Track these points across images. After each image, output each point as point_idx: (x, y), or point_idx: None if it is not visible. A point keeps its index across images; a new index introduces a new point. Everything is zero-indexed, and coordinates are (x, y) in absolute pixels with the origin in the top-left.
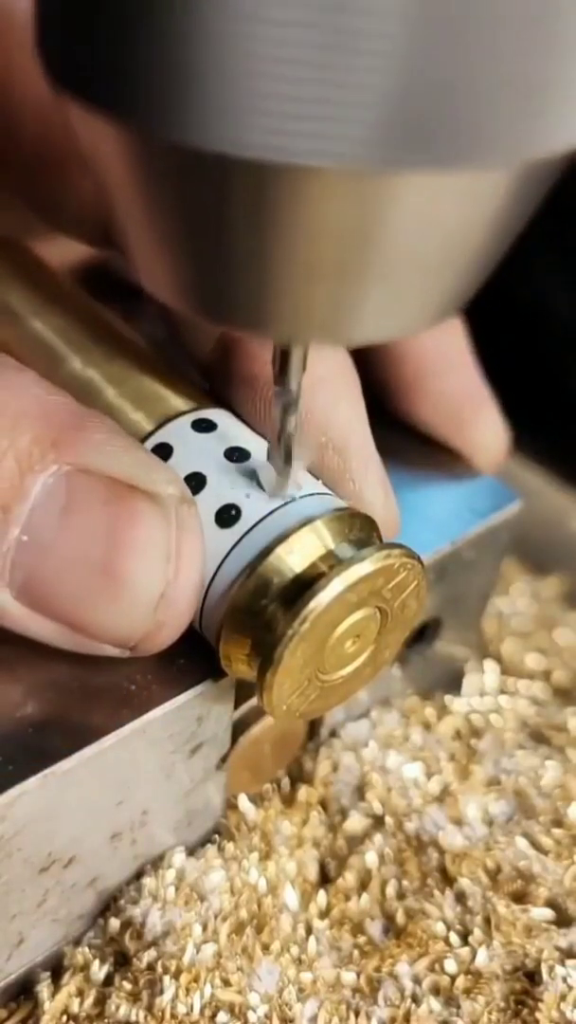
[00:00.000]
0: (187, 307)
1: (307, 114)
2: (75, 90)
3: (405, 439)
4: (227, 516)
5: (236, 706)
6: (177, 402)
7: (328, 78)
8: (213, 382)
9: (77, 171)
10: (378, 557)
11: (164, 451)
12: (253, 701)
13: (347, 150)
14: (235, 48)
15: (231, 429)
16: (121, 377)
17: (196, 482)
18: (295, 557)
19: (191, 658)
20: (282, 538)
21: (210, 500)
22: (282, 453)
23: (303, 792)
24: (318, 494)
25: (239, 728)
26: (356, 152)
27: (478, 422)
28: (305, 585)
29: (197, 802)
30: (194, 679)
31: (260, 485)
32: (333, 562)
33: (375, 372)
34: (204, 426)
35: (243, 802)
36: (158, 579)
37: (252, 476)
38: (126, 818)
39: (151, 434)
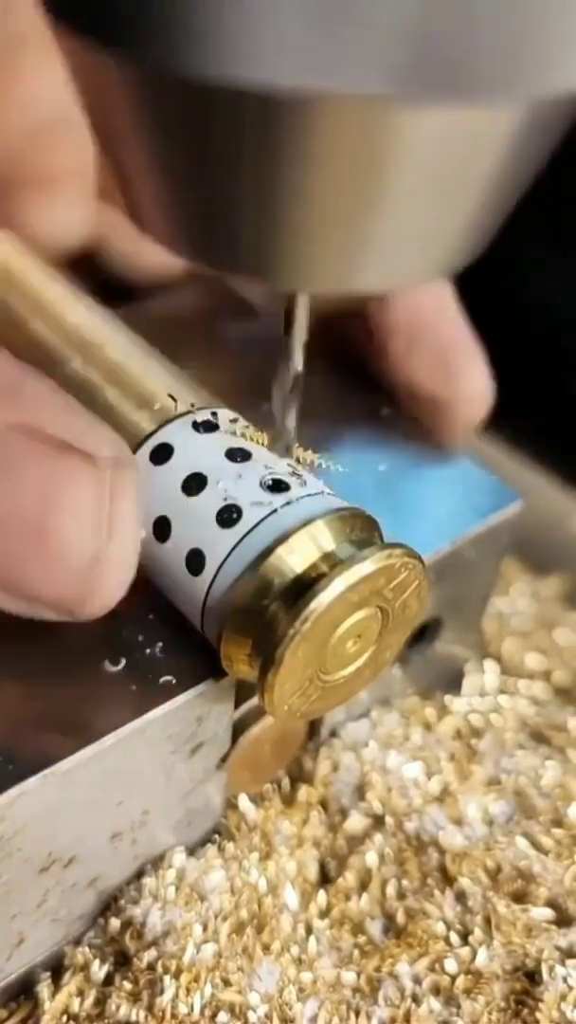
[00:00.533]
0: (191, 254)
1: (313, 47)
2: (77, 25)
3: (405, 439)
4: (228, 516)
5: (236, 706)
6: (177, 402)
7: (334, 9)
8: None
9: (41, 195)
10: (379, 557)
11: (164, 451)
12: (253, 701)
13: (363, 81)
14: None
15: (233, 429)
16: (121, 377)
17: (197, 482)
18: (296, 557)
19: (191, 658)
20: (283, 538)
21: (211, 501)
22: (284, 393)
23: (303, 792)
24: (319, 494)
25: (239, 728)
26: (364, 86)
27: (466, 373)
28: (306, 585)
29: (197, 802)
30: (194, 679)
31: (261, 485)
32: (334, 562)
33: (362, 328)
34: (205, 426)
35: (243, 802)
36: (89, 543)
37: (253, 476)
38: (126, 818)
39: (151, 434)
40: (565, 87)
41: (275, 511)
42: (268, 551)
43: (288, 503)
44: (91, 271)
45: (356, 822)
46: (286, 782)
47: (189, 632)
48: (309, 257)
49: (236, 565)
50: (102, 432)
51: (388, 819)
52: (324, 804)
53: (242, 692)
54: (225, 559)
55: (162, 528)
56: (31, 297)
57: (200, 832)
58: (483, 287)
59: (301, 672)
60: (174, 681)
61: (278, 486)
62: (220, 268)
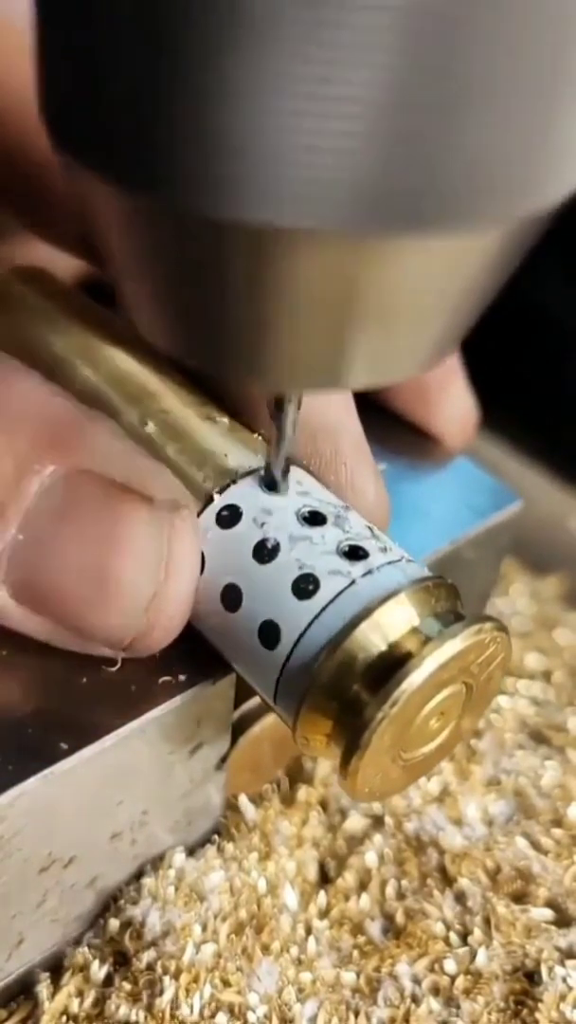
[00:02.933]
0: (182, 357)
1: (296, 181)
2: (77, 157)
3: (404, 438)
4: (305, 587)
5: (236, 706)
6: (243, 459)
7: (312, 147)
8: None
9: (57, 176)
10: (468, 634)
11: (232, 514)
12: (253, 701)
13: (333, 221)
14: (225, 129)
15: (303, 488)
16: (181, 432)
17: (269, 551)
18: (380, 634)
19: (191, 658)
20: (365, 613)
21: (285, 570)
22: (279, 467)
23: (303, 792)
24: (399, 561)
25: (238, 728)
26: (343, 218)
27: (444, 399)
28: (392, 664)
29: (197, 802)
30: (194, 679)
31: (338, 552)
32: (421, 639)
33: None
34: (269, 483)
35: (243, 802)
36: (149, 584)
37: (330, 542)
38: (126, 818)
39: (215, 495)
40: (538, 207)
41: (354, 582)
42: (351, 626)
43: (367, 572)
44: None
45: (356, 822)
46: (286, 782)
47: (187, 632)
48: (296, 365)
49: (315, 639)
50: (161, 475)
51: (388, 819)
52: (324, 804)
53: (242, 692)
54: (303, 633)
55: (231, 596)
56: (77, 342)
57: (200, 832)
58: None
59: (384, 753)
60: (174, 681)
61: (355, 553)
62: (211, 372)
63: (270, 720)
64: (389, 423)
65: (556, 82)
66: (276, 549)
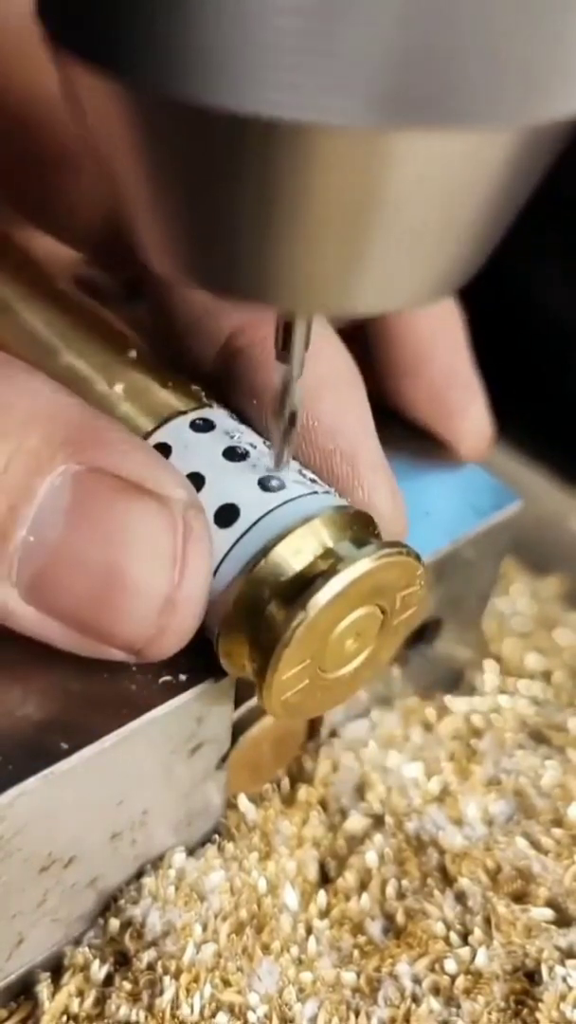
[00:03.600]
0: (190, 278)
1: (310, 71)
2: (76, 49)
3: (405, 438)
4: (226, 515)
5: (236, 706)
6: (175, 401)
7: (330, 35)
8: (213, 390)
9: (68, 171)
10: (378, 555)
11: (163, 451)
12: (253, 701)
13: (351, 108)
14: (240, 10)
15: (229, 428)
16: (118, 376)
17: (195, 482)
18: (294, 555)
19: (191, 658)
20: (281, 536)
21: (209, 500)
22: (281, 428)
23: (303, 792)
24: (317, 492)
25: (239, 728)
26: (359, 110)
27: (464, 411)
28: (305, 583)
29: (197, 802)
30: (194, 679)
31: (258, 484)
32: (333, 560)
33: (365, 352)
34: (202, 425)
35: (243, 802)
36: (162, 583)
37: (251, 475)
38: (126, 818)
39: (150, 434)
40: (555, 113)
41: (272, 510)
42: (266, 549)
43: (286, 501)
44: (97, 276)
45: (356, 822)
46: (286, 782)
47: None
48: (307, 279)
49: (234, 564)
50: (175, 475)
51: (388, 819)
52: (324, 804)
53: (242, 692)
54: (224, 558)
55: None
56: (25, 291)
57: (200, 832)
58: (482, 287)
59: (299, 670)
60: (174, 681)
61: (275, 484)
62: (220, 291)
63: (270, 720)
64: (390, 424)
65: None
66: (201, 482)
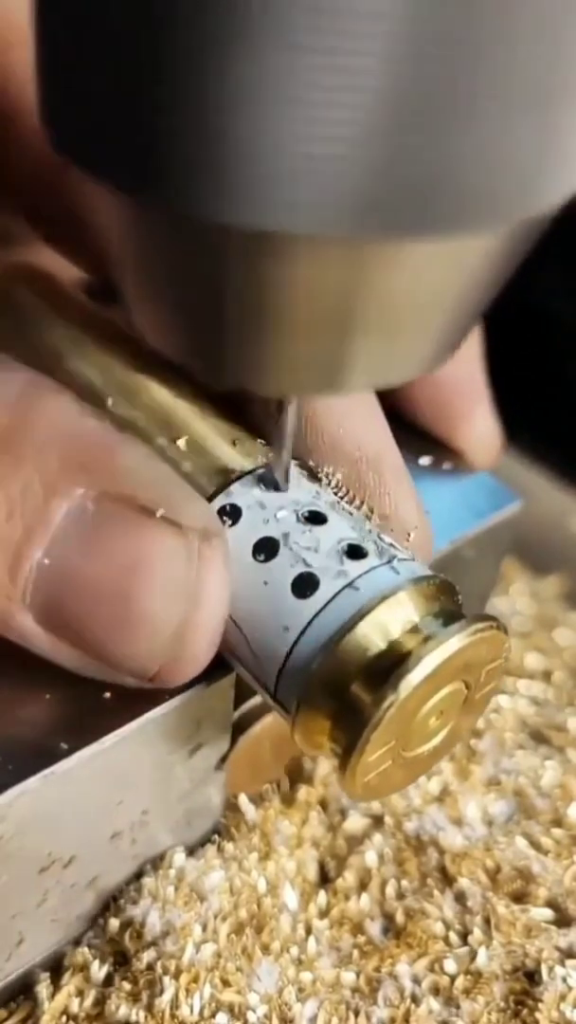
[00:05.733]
0: (182, 362)
1: (294, 187)
2: (77, 159)
3: (404, 438)
4: (304, 585)
5: (236, 706)
6: (242, 458)
7: (311, 153)
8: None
9: (79, 192)
10: (468, 632)
11: (232, 513)
12: (252, 701)
13: (330, 225)
14: (225, 133)
15: (301, 488)
16: (180, 431)
17: (269, 549)
18: (380, 632)
19: None
20: (364, 612)
21: (285, 568)
22: (282, 469)
23: (303, 792)
24: (400, 560)
25: (239, 728)
26: (340, 227)
27: (470, 418)
28: (391, 663)
29: (197, 802)
30: (194, 679)
31: (337, 552)
32: (420, 638)
33: None
34: (273, 485)
35: (243, 802)
36: (176, 613)
37: (327, 541)
38: (126, 818)
39: (215, 495)
40: (541, 208)
41: (353, 581)
42: (350, 625)
43: (367, 571)
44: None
45: (355, 822)
46: (286, 782)
47: None
48: (295, 369)
49: (315, 638)
50: (193, 501)
51: (387, 819)
52: (324, 804)
53: (242, 692)
54: (303, 631)
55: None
56: (79, 343)
57: (200, 832)
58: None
59: (383, 752)
60: None
61: (355, 552)
62: (211, 379)
63: (270, 720)
64: (389, 424)
65: (554, 89)
66: (275, 549)
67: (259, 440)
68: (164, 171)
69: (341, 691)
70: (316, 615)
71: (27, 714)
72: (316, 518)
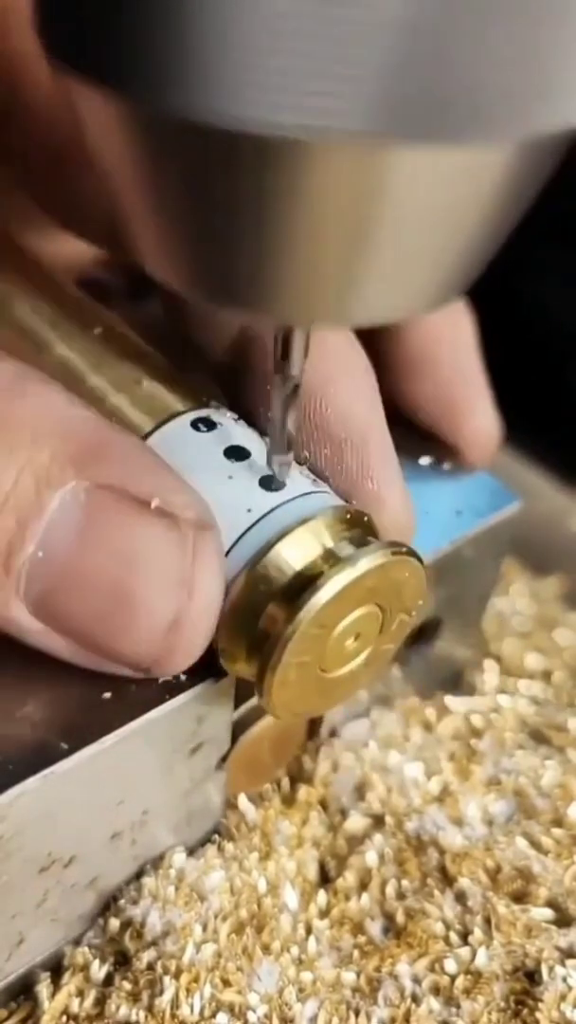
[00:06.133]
0: (190, 290)
1: (306, 87)
2: (73, 64)
3: (405, 438)
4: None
5: (236, 706)
6: (176, 402)
7: (326, 51)
8: (228, 382)
9: (87, 166)
10: (377, 555)
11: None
12: (253, 701)
13: (347, 123)
14: (234, 20)
15: (231, 429)
16: (117, 374)
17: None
18: (294, 555)
19: None
20: (281, 536)
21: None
22: (283, 441)
23: (303, 792)
24: (317, 492)
25: (239, 728)
26: (355, 125)
27: (470, 412)
28: (305, 583)
29: (197, 802)
30: (194, 679)
31: (260, 484)
32: (333, 560)
33: (373, 352)
34: (203, 425)
35: (243, 802)
36: (169, 604)
37: (251, 475)
38: (126, 818)
39: (149, 434)
40: (552, 126)
41: (273, 509)
42: (266, 549)
43: (286, 501)
44: (102, 278)
45: (356, 822)
46: (286, 782)
47: None
48: (304, 292)
49: (234, 563)
50: (187, 493)
51: (388, 819)
52: (324, 804)
53: (242, 692)
54: (225, 556)
55: None
56: (24, 292)
57: (200, 832)
58: (483, 286)
59: (300, 670)
60: (174, 681)
61: (277, 484)
62: (219, 302)
63: (270, 720)
64: (389, 424)
65: (568, 11)
66: (202, 480)
67: (196, 387)
68: (170, 72)
69: (257, 612)
70: (236, 541)
71: (27, 714)
72: (240, 453)
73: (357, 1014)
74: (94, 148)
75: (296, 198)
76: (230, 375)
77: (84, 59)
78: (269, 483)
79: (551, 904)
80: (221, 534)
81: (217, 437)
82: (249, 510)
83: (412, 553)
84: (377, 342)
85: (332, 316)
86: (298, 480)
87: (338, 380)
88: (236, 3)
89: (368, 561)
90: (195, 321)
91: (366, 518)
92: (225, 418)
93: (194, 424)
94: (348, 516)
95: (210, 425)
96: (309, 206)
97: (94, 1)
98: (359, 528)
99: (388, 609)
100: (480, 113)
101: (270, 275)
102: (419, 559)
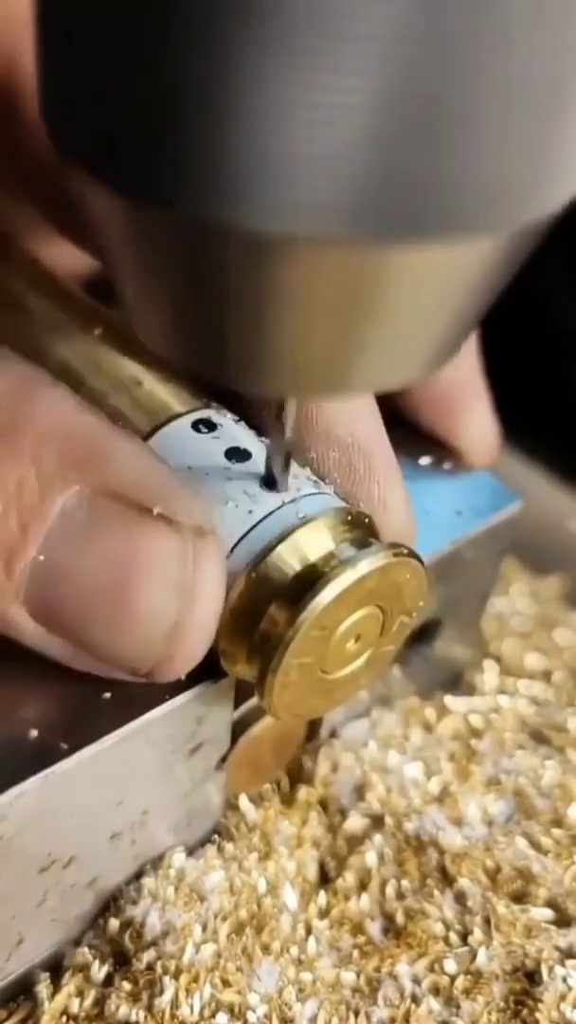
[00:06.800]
0: (183, 362)
1: (296, 188)
2: (76, 160)
3: (404, 438)
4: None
5: (236, 706)
6: (176, 403)
7: (314, 153)
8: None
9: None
10: (378, 557)
11: (163, 453)
12: (253, 701)
13: (336, 222)
14: (231, 130)
15: (231, 430)
16: (117, 375)
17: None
18: (295, 556)
19: None
20: (282, 537)
21: (209, 500)
22: (283, 444)
23: (303, 792)
24: (318, 494)
25: (239, 728)
26: (345, 224)
27: (468, 414)
28: (306, 585)
29: (197, 802)
30: (194, 679)
31: (261, 486)
32: (334, 562)
33: None
34: (204, 427)
35: (243, 802)
36: (170, 611)
37: (253, 477)
38: (126, 818)
39: (149, 435)
40: (543, 213)
41: (274, 511)
42: (267, 550)
43: (287, 503)
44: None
45: (356, 822)
46: (286, 782)
47: None
48: (296, 371)
49: (235, 564)
50: (189, 499)
51: (388, 819)
52: (324, 804)
53: (242, 692)
54: (227, 557)
55: None
56: (26, 289)
57: (200, 832)
58: None
59: (300, 672)
60: (174, 681)
61: (272, 484)
62: (212, 377)
63: (270, 720)
64: (389, 424)
65: (553, 98)
66: (203, 482)
67: (196, 388)
68: (163, 174)
69: (258, 614)
70: (238, 542)
71: (27, 714)
72: (242, 454)
73: (357, 1014)
74: (90, 223)
75: (286, 291)
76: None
77: (86, 157)
78: (270, 484)
79: (551, 904)
80: (222, 535)
81: (218, 438)
82: (250, 511)
83: (413, 555)
84: None
85: (324, 391)
86: (300, 481)
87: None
88: (226, 121)
89: (369, 563)
90: None
91: (367, 519)
92: (226, 419)
93: (195, 425)
94: (349, 518)
95: (211, 426)
96: (299, 298)
97: (102, 110)
98: (360, 529)
99: (389, 610)
100: (463, 210)
101: (262, 358)
102: (420, 560)
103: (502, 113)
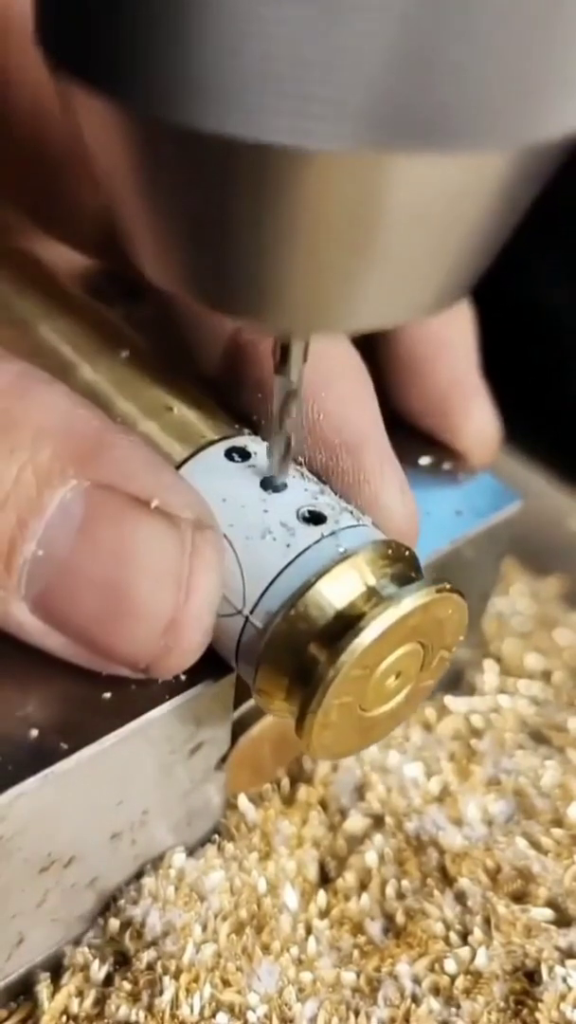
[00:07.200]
0: (188, 295)
1: (303, 96)
2: (75, 72)
3: (404, 438)
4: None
5: (236, 706)
6: (208, 429)
7: (322, 59)
8: (220, 390)
9: (73, 175)
10: (421, 595)
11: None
12: (253, 701)
13: (342, 134)
14: (234, 30)
15: (266, 458)
16: (146, 400)
17: (231, 511)
18: (336, 593)
19: None
20: (321, 573)
21: (245, 532)
22: (282, 443)
23: (303, 792)
24: (358, 526)
25: (239, 728)
26: (351, 135)
27: (468, 414)
28: (347, 624)
29: (197, 802)
30: (194, 679)
31: (298, 518)
32: (376, 599)
33: (371, 357)
34: (238, 455)
35: (243, 802)
36: (167, 604)
37: (289, 508)
38: (126, 818)
39: (183, 463)
40: (550, 133)
41: (312, 544)
42: (307, 586)
43: (326, 536)
44: (102, 276)
45: (356, 822)
46: (286, 782)
47: None
48: (302, 300)
49: (273, 600)
50: (186, 492)
51: (388, 819)
52: (324, 804)
53: (241, 692)
54: (263, 593)
55: None
56: (51, 313)
57: (200, 832)
58: (484, 288)
59: (340, 712)
60: (174, 681)
61: (316, 518)
62: (217, 308)
63: (270, 720)
64: (389, 424)
65: (563, 14)
66: (238, 512)
67: (227, 414)
68: (169, 82)
69: (298, 651)
70: (275, 577)
71: (27, 714)
72: (278, 484)
73: (357, 1014)
74: (92, 154)
75: (293, 206)
76: (221, 380)
77: (85, 66)
78: (308, 516)
79: (551, 904)
80: (260, 570)
81: (252, 467)
82: (288, 545)
83: (454, 589)
84: (374, 346)
85: (331, 323)
86: (338, 513)
87: (332, 384)
88: (233, 21)
89: (412, 600)
90: (186, 326)
91: (407, 552)
92: (260, 446)
93: (228, 454)
94: (390, 551)
95: (244, 455)
96: (306, 214)
97: (100, 10)
98: (401, 563)
99: (430, 646)
100: (477, 121)
101: (268, 282)
102: (461, 595)
103: (503, 26)
